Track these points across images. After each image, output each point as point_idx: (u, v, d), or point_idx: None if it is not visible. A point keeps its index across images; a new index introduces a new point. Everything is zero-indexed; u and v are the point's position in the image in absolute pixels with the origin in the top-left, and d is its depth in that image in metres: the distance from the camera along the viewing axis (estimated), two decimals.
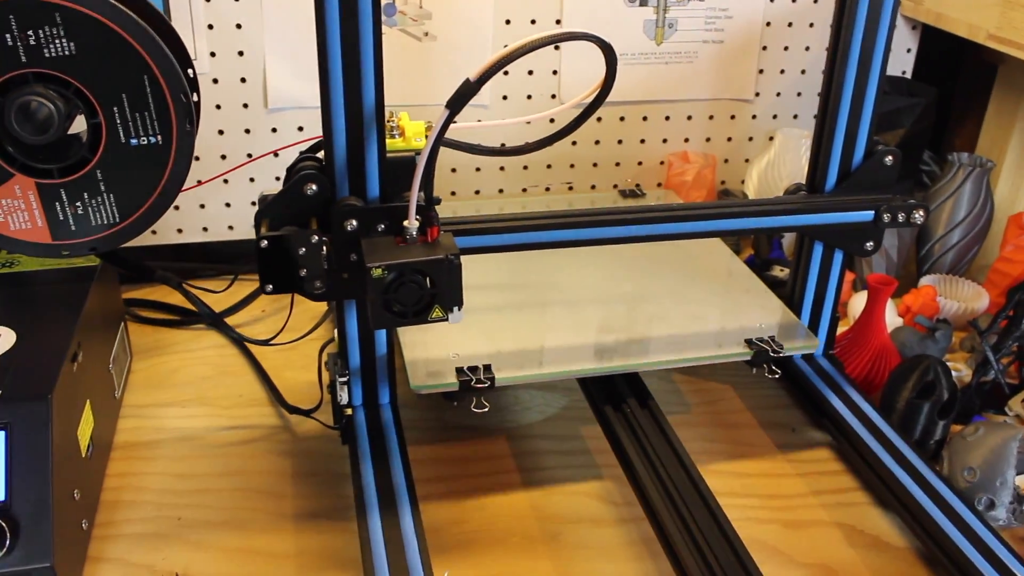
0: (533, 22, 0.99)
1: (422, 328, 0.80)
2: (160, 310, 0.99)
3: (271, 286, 0.67)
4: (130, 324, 0.94)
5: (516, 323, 0.80)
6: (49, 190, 0.71)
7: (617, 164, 1.09)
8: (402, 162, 0.71)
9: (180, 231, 1.04)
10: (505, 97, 1.03)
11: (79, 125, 0.70)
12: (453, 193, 1.08)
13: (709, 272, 0.89)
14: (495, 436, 0.81)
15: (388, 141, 0.71)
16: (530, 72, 1.02)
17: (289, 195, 0.68)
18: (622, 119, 1.07)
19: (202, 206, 1.03)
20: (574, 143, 1.07)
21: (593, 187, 1.10)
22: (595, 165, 1.09)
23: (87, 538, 0.68)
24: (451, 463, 0.78)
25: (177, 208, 1.01)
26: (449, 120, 0.64)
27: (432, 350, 0.76)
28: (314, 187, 0.68)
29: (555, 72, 1.03)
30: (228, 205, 1.03)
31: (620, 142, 1.08)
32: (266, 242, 0.66)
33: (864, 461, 0.74)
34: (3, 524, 0.59)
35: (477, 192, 1.08)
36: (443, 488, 0.75)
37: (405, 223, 0.66)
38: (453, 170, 1.06)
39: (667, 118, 1.08)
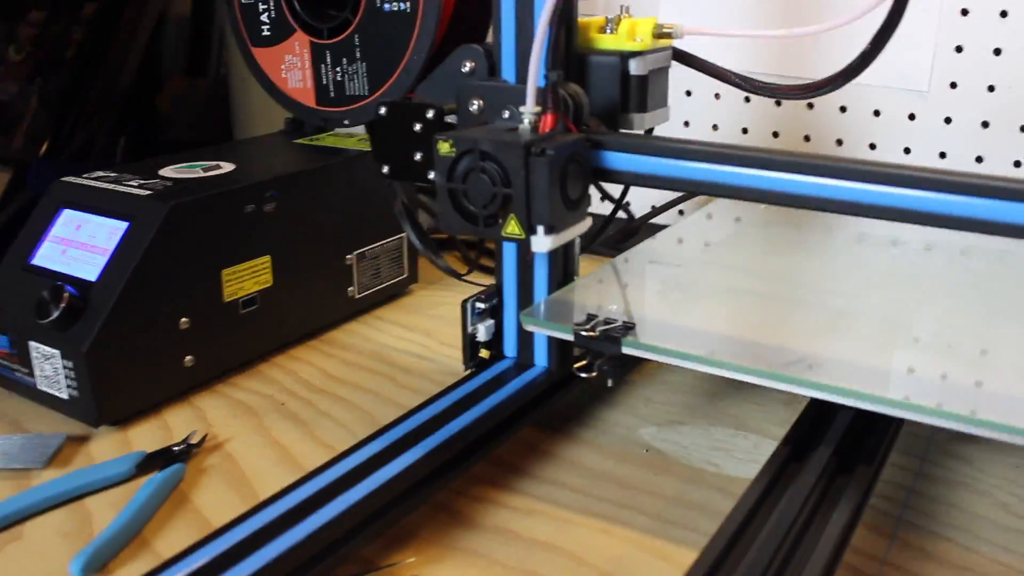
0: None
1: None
2: None
3: (386, 167, 0.57)
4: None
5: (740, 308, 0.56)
6: (319, 50, 0.72)
7: None
8: (595, 64, 0.54)
9: None
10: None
11: None
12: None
13: None
14: (676, 473, 0.56)
15: (594, 36, 0.55)
16: None
17: (445, 72, 0.57)
18: None
19: None
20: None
21: None
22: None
23: (187, 376, 0.65)
24: (574, 481, 0.56)
25: None
26: None
27: (603, 295, 0.57)
28: (470, 65, 0.56)
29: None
30: None
31: None
32: (384, 109, 0.55)
33: None
34: (76, 301, 0.59)
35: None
36: (522, 504, 0.54)
37: (521, 108, 0.49)
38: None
39: None
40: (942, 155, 0.74)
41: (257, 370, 0.69)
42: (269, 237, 0.69)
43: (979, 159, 0.73)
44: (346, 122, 0.72)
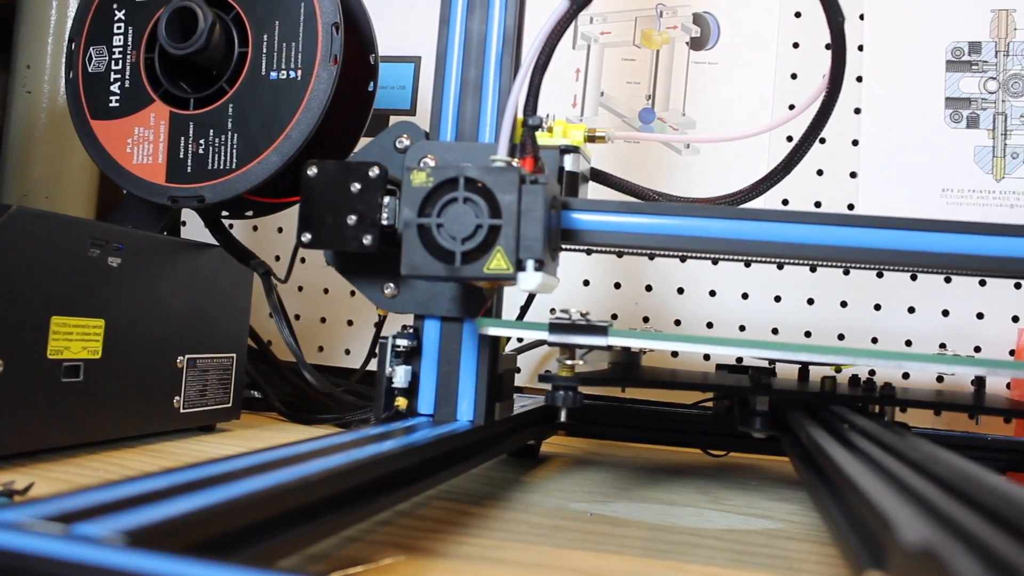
0: (823, 141, 0.79)
1: None
2: None
3: (308, 235, 0.50)
4: None
5: None
6: (180, 122, 0.65)
7: (942, 345, 0.77)
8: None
9: None
10: None
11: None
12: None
13: None
14: (638, 526, 0.49)
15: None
16: None
17: (378, 146, 0.54)
18: (948, 280, 0.77)
19: None
20: (878, 307, 0.78)
21: (905, 376, 0.77)
22: (908, 344, 0.78)
23: None
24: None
25: None
26: (566, 18, 0.48)
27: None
28: (407, 141, 0.53)
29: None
30: None
31: (946, 313, 0.77)
32: (315, 170, 0.50)
33: None
34: None
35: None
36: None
37: (491, 157, 0.47)
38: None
39: (1018, 286, 0.76)
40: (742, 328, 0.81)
41: (75, 460, 0.54)
42: (107, 298, 0.57)
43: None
44: (200, 198, 0.64)
